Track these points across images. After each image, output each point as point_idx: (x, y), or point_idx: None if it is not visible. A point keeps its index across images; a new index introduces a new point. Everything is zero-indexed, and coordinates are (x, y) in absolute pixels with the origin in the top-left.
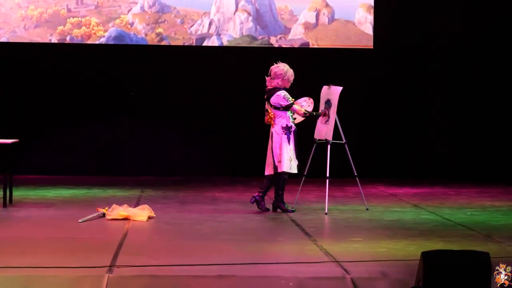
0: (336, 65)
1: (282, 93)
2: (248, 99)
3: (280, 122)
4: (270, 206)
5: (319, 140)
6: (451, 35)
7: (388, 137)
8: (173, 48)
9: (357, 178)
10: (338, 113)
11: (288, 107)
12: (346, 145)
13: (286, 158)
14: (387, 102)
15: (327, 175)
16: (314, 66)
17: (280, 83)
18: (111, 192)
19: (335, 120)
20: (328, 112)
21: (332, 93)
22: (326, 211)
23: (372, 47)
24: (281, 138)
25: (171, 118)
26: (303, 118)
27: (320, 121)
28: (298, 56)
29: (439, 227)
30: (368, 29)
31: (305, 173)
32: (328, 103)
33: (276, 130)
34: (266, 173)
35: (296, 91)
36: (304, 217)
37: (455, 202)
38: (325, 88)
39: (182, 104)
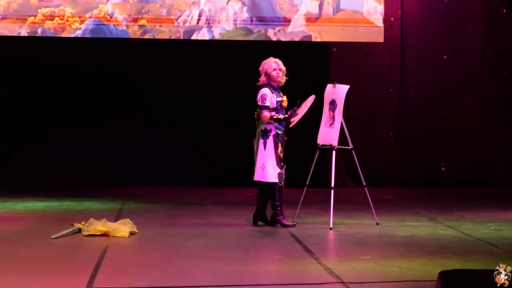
0: (342, 61)
1: (262, 92)
2: (243, 100)
3: (261, 124)
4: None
5: (322, 145)
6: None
7: (399, 140)
8: (158, 42)
9: (365, 188)
10: (344, 115)
11: (260, 108)
12: (353, 151)
13: (258, 166)
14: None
15: (332, 185)
16: (317, 62)
17: (263, 78)
18: (88, 204)
19: (341, 123)
20: (333, 113)
21: (337, 92)
22: (331, 226)
23: (382, 42)
24: (258, 142)
25: (156, 121)
26: (298, 119)
27: (323, 124)
28: (299, 51)
29: (459, 243)
30: (378, 20)
31: (307, 183)
32: (333, 103)
33: (257, 132)
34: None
35: (297, 90)
36: (306, 233)
37: (476, 215)
38: (329, 87)
39: (168, 106)
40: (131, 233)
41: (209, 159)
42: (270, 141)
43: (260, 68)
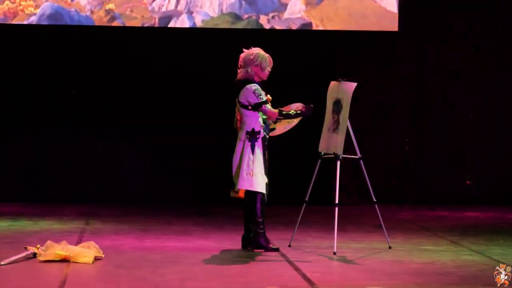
0: (349, 53)
1: (253, 87)
2: (229, 100)
3: (246, 125)
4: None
5: (325, 154)
6: None
7: (416, 148)
8: (128, 31)
9: (376, 206)
10: (351, 117)
11: (258, 106)
12: (361, 161)
13: (246, 172)
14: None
15: (336, 201)
16: (318, 54)
17: (250, 71)
18: (45, 224)
19: (347, 128)
20: (338, 116)
21: (343, 91)
22: (334, 250)
23: (397, 30)
24: (243, 145)
25: (126, 125)
26: (285, 130)
27: (326, 129)
28: (297, 42)
29: (487, 271)
30: (392, 5)
31: (307, 199)
32: (337, 104)
33: (239, 136)
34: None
35: (294, 90)
36: (305, 258)
37: (508, 236)
38: (333, 84)
39: (141, 106)
40: (96, 259)
41: (187, 172)
42: (259, 144)
43: (247, 60)
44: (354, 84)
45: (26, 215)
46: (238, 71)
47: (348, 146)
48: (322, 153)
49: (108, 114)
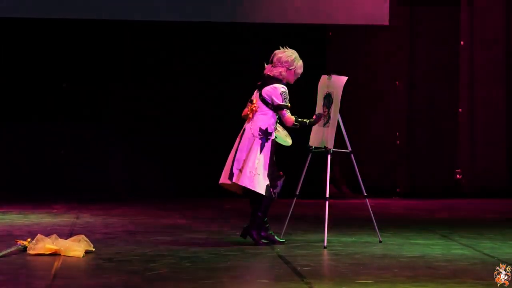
0: (339, 48)
1: (281, 88)
2: (215, 93)
3: (260, 121)
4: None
5: (315, 148)
6: None
7: (407, 142)
8: (108, 24)
9: (367, 200)
10: (341, 111)
11: (279, 108)
12: (352, 155)
13: (249, 170)
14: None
15: (327, 195)
16: (308, 49)
17: (283, 73)
18: (35, 218)
19: (338, 122)
20: (328, 110)
21: (333, 85)
22: (325, 244)
23: (387, 24)
24: (253, 141)
25: (116, 119)
26: (281, 134)
27: (317, 123)
28: (278, 35)
29: (477, 265)
30: None
31: (297, 193)
32: (328, 98)
33: (251, 127)
34: (220, 181)
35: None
36: (295, 252)
37: (498, 231)
38: (323, 78)
39: (127, 100)
40: (87, 252)
41: (177, 165)
42: (268, 145)
43: (284, 61)
44: (345, 78)
45: (17, 208)
46: (268, 66)
47: (338, 140)
48: (313, 147)
49: (97, 107)
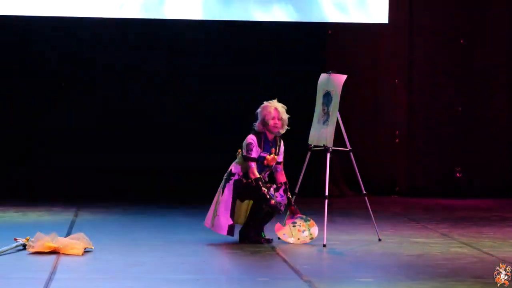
0: (338, 46)
1: (249, 138)
2: (218, 88)
3: (237, 165)
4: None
5: (315, 146)
6: None
7: (407, 140)
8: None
9: (366, 198)
10: (340, 110)
11: (245, 158)
12: (351, 153)
13: (211, 210)
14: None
15: (326, 193)
16: (303, 47)
17: (258, 125)
18: (34, 215)
19: (337, 120)
20: (328, 109)
21: (332, 83)
22: (324, 242)
23: (387, 23)
24: (222, 183)
25: (115, 114)
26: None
27: (316, 121)
28: (284, 35)
29: (477, 264)
30: None
31: (296, 191)
32: (327, 97)
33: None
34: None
35: (284, 85)
36: (295, 250)
37: (498, 229)
38: (323, 77)
39: (127, 94)
40: (86, 250)
41: (177, 162)
42: (229, 186)
43: (257, 112)
44: (344, 77)
45: (15, 205)
46: None
47: (337, 139)
48: (312, 146)
49: (91, 98)
